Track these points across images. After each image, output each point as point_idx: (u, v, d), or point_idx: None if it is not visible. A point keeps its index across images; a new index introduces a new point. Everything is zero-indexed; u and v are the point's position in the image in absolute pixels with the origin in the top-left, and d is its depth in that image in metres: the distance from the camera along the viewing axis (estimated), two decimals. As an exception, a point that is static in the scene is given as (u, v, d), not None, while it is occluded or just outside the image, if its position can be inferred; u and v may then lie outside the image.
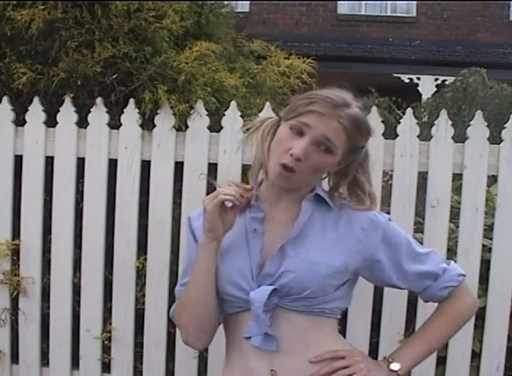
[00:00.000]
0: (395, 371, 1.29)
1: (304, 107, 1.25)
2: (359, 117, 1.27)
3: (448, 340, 1.40)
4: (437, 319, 1.34)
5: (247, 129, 1.37)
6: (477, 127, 2.03)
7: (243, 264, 1.27)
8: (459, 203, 2.08)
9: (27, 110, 2.14)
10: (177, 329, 2.08)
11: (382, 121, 2.06)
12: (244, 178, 2.05)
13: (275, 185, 1.29)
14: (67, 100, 2.11)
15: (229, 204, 1.28)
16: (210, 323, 1.33)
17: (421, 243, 2.07)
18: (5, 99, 2.14)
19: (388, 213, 2.05)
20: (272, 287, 1.23)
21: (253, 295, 1.23)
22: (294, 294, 1.24)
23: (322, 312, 1.27)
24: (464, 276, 1.36)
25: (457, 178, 2.09)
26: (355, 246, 1.29)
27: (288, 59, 2.66)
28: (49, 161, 2.16)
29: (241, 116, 2.09)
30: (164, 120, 2.09)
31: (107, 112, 2.12)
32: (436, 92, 7.34)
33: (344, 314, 2.00)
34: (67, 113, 2.12)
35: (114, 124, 2.13)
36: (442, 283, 1.33)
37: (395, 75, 8.91)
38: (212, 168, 2.10)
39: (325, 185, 1.37)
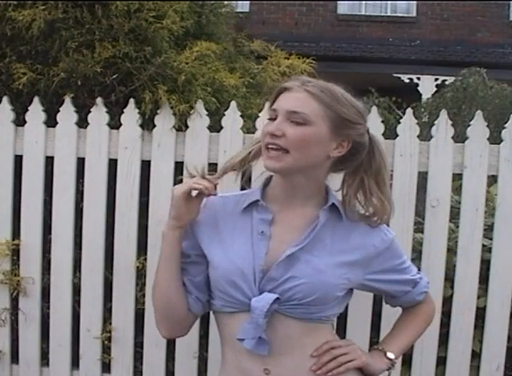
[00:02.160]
0: (391, 359, 1.37)
1: (274, 93, 1.30)
2: (331, 87, 1.27)
3: (414, 342, 1.55)
4: (415, 318, 1.45)
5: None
6: (477, 127, 2.03)
7: (247, 266, 1.26)
8: (459, 203, 2.08)
9: (27, 110, 2.14)
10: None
11: (382, 121, 2.06)
12: (244, 178, 2.05)
13: (279, 179, 1.30)
14: (67, 100, 2.11)
15: (194, 193, 1.31)
16: (174, 314, 1.34)
17: (421, 243, 2.07)
18: (5, 99, 2.14)
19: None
20: (274, 296, 1.22)
21: (254, 303, 1.23)
22: (296, 300, 1.24)
23: (319, 319, 1.28)
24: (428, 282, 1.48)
25: (457, 178, 2.09)
26: (362, 261, 1.31)
27: (288, 59, 2.66)
28: (49, 161, 2.16)
29: (241, 116, 2.09)
30: (164, 120, 2.09)
31: (107, 112, 2.12)
32: (436, 92, 7.35)
33: (344, 314, 2.00)
34: (67, 113, 2.12)
35: (114, 124, 2.13)
36: (420, 289, 1.43)
37: (395, 75, 8.92)
38: (212, 168, 2.10)
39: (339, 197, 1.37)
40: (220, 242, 1.32)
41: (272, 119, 1.27)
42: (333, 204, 1.31)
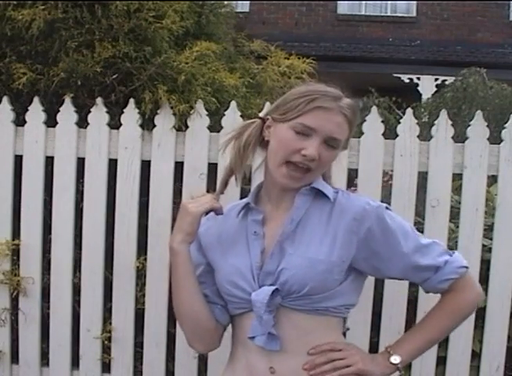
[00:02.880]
0: (395, 364, 1.28)
1: (306, 105, 1.24)
2: (355, 105, 1.29)
3: (449, 333, 1.37)
4: (437, 313, 1.31)
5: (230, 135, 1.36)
6: (477, 127, 2.03)
7: (244, 265, 1.28)
8: (459, 203, 2.08)
9: (27, 110, 2.14)
10: (177, 329, 2.08)
11: (382, 121, 2.06)
12: (244, 178, 2.05)
13: (280, 186, 1.29)
14: (67, 100, 2.11)
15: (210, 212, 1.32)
16: (204, 329, 1.34)
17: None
18: (5, 99, 2.14)
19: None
20: (273, 288, 1.22)
21: (254, 297, 1.23)
22: (295, 292, 1.23)
23: (326, 310, 1.26)
24: (467, 268, 1.30)
25: (457, 178, 2.09)
26: (349, 237, 1.25)
27: (288, 59, 2.66)
28: (49, 161, 2.16)
29: (241, 116, 2.09)
30: (164, 120, 2.09)
31: (107, 112, 2.12)
32: (436, 92, 7.35)
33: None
34: (67, 113, 2.12)
35: (114, 124, 2.13)
36: (443, 275, 1.28)
37: (395, 75, 8.92)
38: (212, 168, 2.10)
39: None
40: (221, 248, 1.34)
41: (303, 132, 1.24)
42: (312, 187, 1.28)
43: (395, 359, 1.28)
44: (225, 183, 1.36)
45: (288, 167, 1.25)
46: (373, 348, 2.04)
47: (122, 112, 2.11)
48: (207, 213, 1.32)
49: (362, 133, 2.05)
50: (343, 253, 1.25)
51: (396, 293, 2.03)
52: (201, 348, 1.41)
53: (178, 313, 1.36)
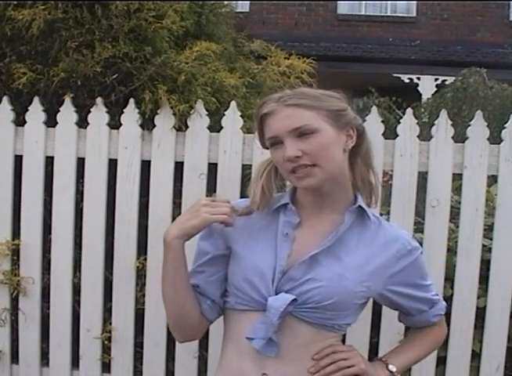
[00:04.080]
0: (392, 372, 1.34)
1: (258, 123, 1.27)
2: (301, 90, 1.27)
3: (420, 361, 1.49)
4: (423, 338, 1.43)
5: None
6: (477, 127, 2.03)
7: (267, 265, 1.25)
8: (459, 203, 2.08)
9: (27, 110, 2.14)
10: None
11: (382, 121, 2.06)
12: (244, 178, 2.05)
13: (309, 191, 1.28)
14: (67, 100, 2.11)
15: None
16: (187, 321, 1.32)
17: (421, 243, 2.07)
18: (5, 99, 2.14)
19: (388, 213, 2.06)
20: (292, 297, 1.21)
21: (271, 302, 1.22)
22: (313, 303, 1.22)
23: (332, 327, 1.27)
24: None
25: (457, 178, 2.09)
26: (384, 269, 1.28)
27: (288, 59, 2.66)
28: (49, 161, 2.16)
29: (241, 116, 2.09)
30: (164, 120, 2.09)
31: (107, 112, 2.12)
32: (436, 92, 7.35)
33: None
34: (67, 113, 2.12)
35: (114, 124, 2.13)
36: (437, 310, 1.41)
37: (395, 75, 8.92)
38: (212, 168, 2.10)
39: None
40: (245, 240, 1.30)
41: (277, 144, 1.24)
42: (359, 206, 1.29)
43: (392, 367, 1.35)
44: (248, 214, 1.31)
45: (295, 173, 1.24)
46: (373, 348, 2.04)
47: (122, 112, 2.11)
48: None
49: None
50: (372, 282, 1.27)
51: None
52: (180, 338, 1.39)
53: (164, 303, 1.34)
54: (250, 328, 1.24)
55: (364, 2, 10.71)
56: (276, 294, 1.23)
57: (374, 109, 2.06)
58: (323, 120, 1.23)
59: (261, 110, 1.26)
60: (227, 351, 1.32)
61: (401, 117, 2.09)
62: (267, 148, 1.30)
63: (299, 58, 2.66)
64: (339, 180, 1.28)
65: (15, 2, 2.09)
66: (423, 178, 2.07)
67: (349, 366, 1.28)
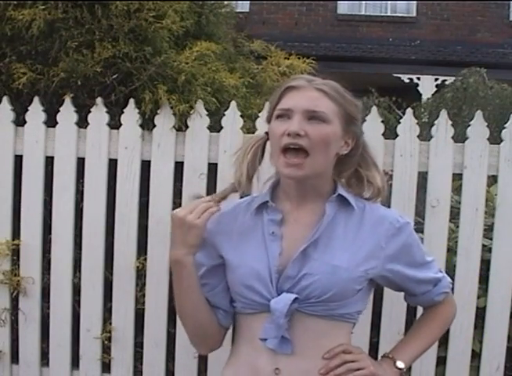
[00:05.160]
0: (401, 369, 1.32)
1: (279, 92, 1.27)
2: (333, 83, 1.28)
3: (431, 346, 1.45)
4: (429, 323, 1.40)
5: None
6: (477, 127, 2.03)
7: (262, 268, 1.25)
8: (459, 203, 2.08)
9: (27, 110, 2.14)
10: (177, 329, 2.08)
11: (382, 121, 2.06)
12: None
13: (287, 179, 1.27)
14: (67, 100, 2.11)
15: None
16: (208, 334, 1.34)
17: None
18: (5, 99, 2.14)
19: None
20: (293, 296, 1.21)
21: (274, 305, 1.22)
22: (314, 297, 1.23)
23: (341, 316, 1.27)
24: (452, 283, 1.43)
25: (457, 178, 2.09)
26: (377, 251, 1.27)
27: (288, 59, 2.66)
28: (49, 161, 2.16)
29: (241, 116, 2.09)
30: (164, 120, 2.09)
31: (107, 112, 2.12)
32: (436, 92, 7.34)
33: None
34: (67, 113, 2.12)
35: (114, 124, 2.13)
36: (440, 288, 1.38)
37: (395, 75, 8.92)
38: (212, 168, 2.10)
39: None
40: (235, 247, 1.30)
41: (285, 118, 1.24)
42: (339, 194, 1.28)
43: (400, 364, 1.33)
44: (225, 197, 1.32)
45: (285, 156, 1.23)
46: (373, 348, 2.04)
47: (122, 112, 2.11)
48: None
49: (362, 133, 2.04)
50: (368, 265, 1.26)
51: (396, 293, 2.03)
52: (204, 350, 1.42)
53: (182, 321, 1.35)
54: (262, 329, 1.25)
55: (364, 2, 10.70)
56: (278, 294, 1.24)
57: (374, 109, 2.06)
58: (338, 117, 1.25)
59: (289, 82, 1.27)
60: (240, 350, 1.33)
61: (401, 117, 2.09)
62: (269, 122, 1.29)
63: (299, 58, 2.66)
64: (323, 176, 1.29)
65: (15, 2, 2.09)
66: (423, 178, 2.07)
67: (359, 369, 1.28)
